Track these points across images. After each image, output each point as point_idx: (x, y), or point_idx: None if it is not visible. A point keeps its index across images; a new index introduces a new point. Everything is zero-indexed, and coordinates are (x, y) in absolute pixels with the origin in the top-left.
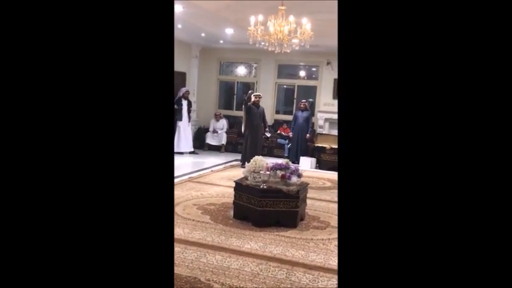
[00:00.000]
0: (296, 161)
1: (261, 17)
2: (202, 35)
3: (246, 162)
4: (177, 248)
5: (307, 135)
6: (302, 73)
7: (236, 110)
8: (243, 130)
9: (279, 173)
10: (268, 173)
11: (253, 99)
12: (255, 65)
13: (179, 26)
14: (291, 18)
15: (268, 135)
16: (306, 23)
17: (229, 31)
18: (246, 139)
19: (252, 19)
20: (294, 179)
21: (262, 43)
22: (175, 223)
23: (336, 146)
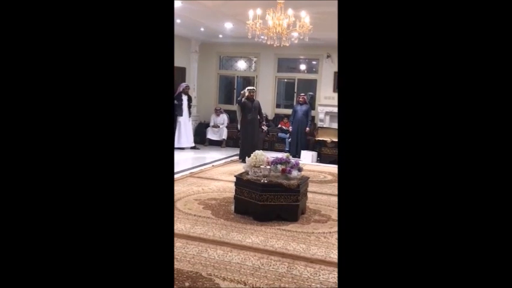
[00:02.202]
0: (297, 154)
1: (259, 11)
2: (202, 29)
3: (247, 157)
4: (179, 243)
5: (307, 128)
6: (302, 66)
7: (236, 104)
8: (238, 127)
9: (280, 167)
10: (268, 167)
11: (246, 94)
12: (254, 59)
13: (178, 21)
14: (290, 11)
15: (265, 128)
16: (305, 16)
17: (228, 25)
18: (243, 134)
19: (251, 13)
20: (295, 173)
21: (261, 37)
22: (176, 218)
23: (337, 140)
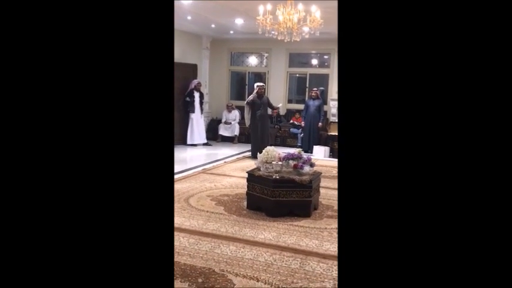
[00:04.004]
0: (309, 150)
1: (269, 6)
2: (212, 26)
3: (258, 153)
4: (192, 240)
5: (319, 123)
6: (314, 61)
7: (246, 104)
8: (247, 124)
9: (291, 162)
10: (280, 163)
11: (256, 90)
12: (266, 55)
13: (189, 17)
14: (300, 6)
15: (277, 110)
16: (315, 11)
17: (239, 21)
18: (253, 131)
19: (261, 8)
20: (307, 168)
21: (272, 32)
22: (189, 215)
23: None
